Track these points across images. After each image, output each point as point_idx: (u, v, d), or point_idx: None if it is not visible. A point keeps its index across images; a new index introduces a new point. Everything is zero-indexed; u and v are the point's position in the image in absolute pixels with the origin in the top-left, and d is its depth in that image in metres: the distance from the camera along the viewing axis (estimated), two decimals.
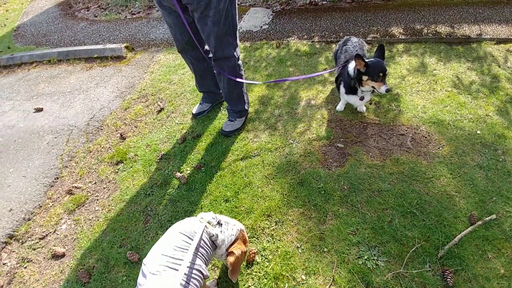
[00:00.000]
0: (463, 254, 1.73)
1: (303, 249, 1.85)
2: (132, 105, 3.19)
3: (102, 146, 2.81)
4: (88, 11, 5.80)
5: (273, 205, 2.09)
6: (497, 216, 1.87)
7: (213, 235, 1.47)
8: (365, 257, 1.77)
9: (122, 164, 2.58)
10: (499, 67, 2.92)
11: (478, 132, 2.35)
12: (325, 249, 1.84)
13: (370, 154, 2.31)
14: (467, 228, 1.82)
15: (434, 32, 3.45)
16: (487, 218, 1.86)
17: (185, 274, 1.25)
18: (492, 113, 2.49)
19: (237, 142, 2.57)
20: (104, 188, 2.47)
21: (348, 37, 2.68)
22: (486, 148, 2.24)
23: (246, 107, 2.69)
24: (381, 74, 2.17)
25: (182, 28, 2.29)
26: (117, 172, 2.55)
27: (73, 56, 4.16)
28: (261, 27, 4.10)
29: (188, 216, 2.09)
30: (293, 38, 3.75)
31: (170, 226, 2.05)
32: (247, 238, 1.64)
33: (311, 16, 4.11)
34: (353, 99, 2.45)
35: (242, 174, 2.31)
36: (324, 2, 4.38)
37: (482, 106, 2.56)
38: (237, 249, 1.51)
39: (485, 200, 1.95)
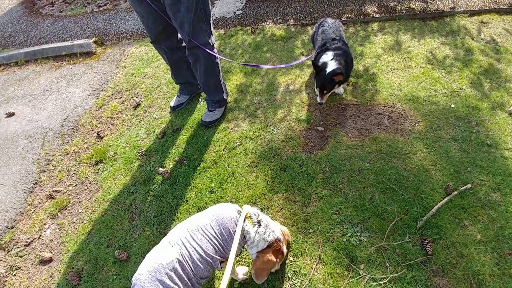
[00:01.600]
0: (441, 223, 1.81)
1: (289, 232, 1.89)
2: (106, 102, 3.09)
3: (79, 147, 2.73)
4: (52, 6, 5.49)
5: (258, 192, 2.11)
6: (472, 185, 1.95)
7: (247, 232, 1.43)
8: (349, 234, 1.83)
9: (102, 164, 2.53)
10: (473, 39, 2.98)
11: (452, 106, 2.42)
12: (310, 230, 1.88)
13: (350, 135, 2.35)
14: (443, 199, 1.90)
15: (407, 8, 3.47)
16: (462, 188, 1.94)
17: (187, 252, 1.30)
18: (466, 86, 2.55)
19: (218, 132, 2.56)
20: (85, 189, 2.42)
21: (323, 18, 2.66)
22: (460, 121, 2.31)
23: (224, 97, 2.66)
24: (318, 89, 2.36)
25: (154, 17, 2.21)
26: (97, 172, 2.49)
27: (41, 55, 3.96)
28: (235, 12, 4.01)
29: (174, 211, 2.11)
30: (268, 23, 3.70)
31: (156, 222, 2.08)
32: (284, 249, 1.55)
33: None
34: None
35: (225, 164, 2.31)
36: None
37: (456, 80, 2.62)
38: (264, 256, 1.46)
39: (460, 171, 2.03)
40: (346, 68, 2.31)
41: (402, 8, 3.49)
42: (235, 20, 3.89)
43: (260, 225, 1.46)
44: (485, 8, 3.31)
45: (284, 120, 2.55)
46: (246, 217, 1.46)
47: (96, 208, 2.27)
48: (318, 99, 2.44)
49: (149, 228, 2.05)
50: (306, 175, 2.15)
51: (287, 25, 3.57)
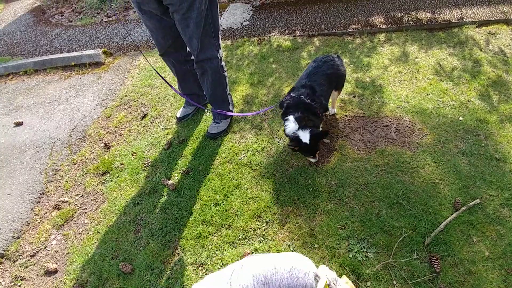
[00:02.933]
0: (449, 240, 1.77)
1: (294, 247, 1.87)
2: (114, 112, 3.13)
3: (86, 157, 2.76)
4: (62, 16, 5.63)
5: (263, 206, 2.10)
6: (480, 201, 1.92)
7: None
8: (355, 250, 1.80)
9: (109, 175, 2.55)
10: (481, 50, 2.96)
11: (461, 118, 2.39)
12: (316, 245, 1.86)
13: (356, 147, 2.33)
14: (451, 214, 1.86)
15: (415, 19, 3.47)
16: (471, 203, 1.90)
17: None
18: (474, 98, 2.52)
19: (224, 144, 2.56)
20: (91, 200, 2.44)
21: (318, 57, 2.31)
22: (468, 134, 2.28)
23: (230, 108, 2.67)
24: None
25: (164, 32, 2.26)
26: (103, 183, 2.51)
27: (50, 65, 4.04)
28: (242, 23, 4.05)
29: (179, 224, 2.10)
30: (274, 34, 3.73)
31: (161, 234, 2.08)
32: None
33: (292, 10, 4.08)
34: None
35: (230, 177, 2.31)
36: None
37: (464, 92, 2.60)
38: None
39: (468, 185, 2.00)
40: (314, 125, 2.10)
41: (409, 19, 3.49)
42: (242, 31, 3.93)
43: None
44: (493, 19, 3.29)
45: None
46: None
47: (101, 219, 2.28)
48: (313, 159, 2.24)
49: (153, 240, 2.05)
50: (311, 188, 2.13)
51: (294, 36, 3.59)
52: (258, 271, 1.12)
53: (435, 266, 1.68)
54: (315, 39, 3.48)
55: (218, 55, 2.33)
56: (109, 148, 2.77)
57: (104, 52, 3.99)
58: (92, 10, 5.56)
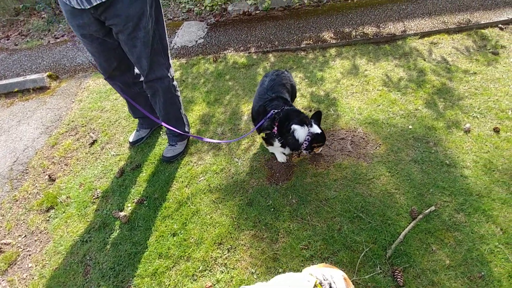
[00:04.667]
0: (409, 250, 1.78)
1: (258, 273, 1.78)
2: (60, 140, 2.88)
3: (29, 192, 2.49)
4: (8, 40, 5.22)
5: (224, 231, 1.99)
6: (435, 207, 1.97)
7: None
8: None
9: (53, 210, 2.31)
10: (424, 60, 3.14)
11: (410, 127, 2.49)
12: (280, 270, 1.78)
13: (315, 162, 2.32)
14: (409, 224, 1.89)
15: (362, 33, 3.63)
16: (426, 211, 1.94)
17: None
18: (421, 107, 2.65)
19: (181, 167, 2.44)
20: (35, 240, 2.19)
21: (268, 73, 2.33)
22: (418, 142, 2.37)
23: (186, 129, 2.57)
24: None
25: (107, 54, 2.12)
26: (48, 220, 2.27)
27: None
28: (196, 41, 4.00)
29: (132, 260, 1.94)
30: (229, 51, 3.71)
31: (113, 274, 1.89)
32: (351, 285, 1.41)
33: (246, 27, 4.10)
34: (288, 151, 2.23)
35: (188, 203, 2.18)
36: (257, 12, 4.40)
37: (411, 101, 2.72)
38: None
39: (422, 193, 2.05)
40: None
41: (357, 33, 3.65)
42: (197, 49, 3.87)
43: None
44: (434, 29, 3.51)
45: (248, 150, 2.49)
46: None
47: (46, 262, 2.04)
48: (283, 159, 2.21)
49: (104, 282, 1.85)
50: (273, 209, 2.07)
51: (249, 53, 3.60)
52: None
53: (398, 279, 1.67)
54: (270, 55, 3.51)
55: (169, 74, 2.24)
56: (54, 180, 2.52)
57: (49, 76, 3.72)
58: (39, 32, 5.23)
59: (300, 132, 2.02)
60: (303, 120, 2.04)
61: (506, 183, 2.03)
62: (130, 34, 1.93)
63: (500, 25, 3.46)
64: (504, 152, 2.20)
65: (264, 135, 2.17)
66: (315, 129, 2.07)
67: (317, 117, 2.16)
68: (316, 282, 1.25)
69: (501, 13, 3.64)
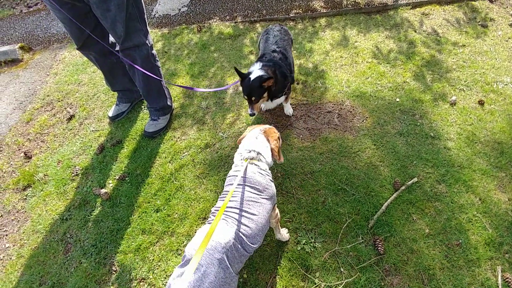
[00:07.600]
0: (391, 220, 1.81)
1: None
2: (35, 116, 2.75)
3: (4, 170, 2.39)
4: None
5: (208, 206, 1.97)
6: (418, 179, 1.98)
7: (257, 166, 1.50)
8: (303, 242, 1.76)
9: (31, 189, 2.23)
10: (415, 31, 3.06)
11: (397, 99, 2.45)
12: (264, 243, 1.79)
13: (301, 136, 2.28)
14: (392, 195, 1.90)
15: (353, 2, 3.49)
16: (409, 182, 1.96)
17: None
18: (409, 79, 2.60)
19: (164, 143, 2.37)
20: (12, 220, 2.12)
21: (271, 26, 2.40)
22: (405, 115, 2.34)
23: (169, 103, 2.47)
24: (246, 97, 2.03)
25: (79, 20, 1.95)
26: (25, 199, 2.19)
27: None
28: (180, 9, 3.78)
29: (115, 237, 1.91)
30: (215, 20, 3.52)
31: (95, 251, 1.87)
32: (273, 132, 1.69)
33: None
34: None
35: (172, 178, 2.14)
36: None
37: (400, 73, 2.67)
38: (274, 143, 1.62)
39: (406, 165, 2.06)
40: (275, 81, 2.01)
41: (348, 2, 3.50)
42: (180, 18, 3.67)
43: (260, 153, 1.55)
44: (426, 0, 3.41)
45: (233, 124, 2.42)
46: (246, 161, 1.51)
47: (25, 241, 2.00)
48: (249, 110, 2.07)
49: (86, 259, 1.83)
50: None
51: (235, 22, 3.43)
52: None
53: (379, 248, 1.70)
54: (257, 25, 3.36)
55: (147, 42, 2.10)
56: (30, 157, 2.42)
57: (21, 47, 3.49)
58: (11, 0, 4.85)
59: (252, 68, 2.01)
60: (267, 68, 1.99)
61: (487, 155, 2.05)
62: None
63: None
64: (487, 125, 2.21)
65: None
66: (254, 74, 1.96)
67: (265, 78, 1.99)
68: (246, 162, 1.51)
69: None
